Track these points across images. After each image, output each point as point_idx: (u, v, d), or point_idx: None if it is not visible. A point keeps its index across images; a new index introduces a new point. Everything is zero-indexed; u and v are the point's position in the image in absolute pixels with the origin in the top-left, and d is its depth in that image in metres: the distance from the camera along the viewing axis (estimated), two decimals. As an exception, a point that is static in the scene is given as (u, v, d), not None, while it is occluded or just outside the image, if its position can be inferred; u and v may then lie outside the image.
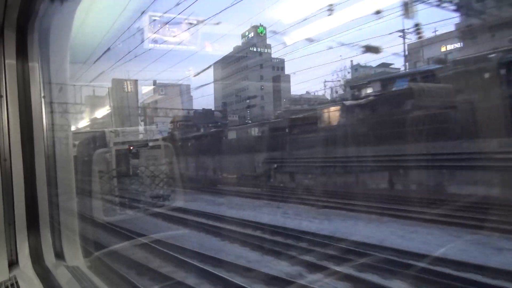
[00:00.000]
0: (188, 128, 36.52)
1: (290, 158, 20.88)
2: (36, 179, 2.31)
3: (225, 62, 56.29)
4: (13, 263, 2.19)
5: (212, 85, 58.37)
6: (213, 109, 44.66)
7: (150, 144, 16.72)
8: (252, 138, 27.30)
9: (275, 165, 22.04)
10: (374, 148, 15.28)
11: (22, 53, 2.27)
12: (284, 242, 8.43)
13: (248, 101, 51.74)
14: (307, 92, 48.76)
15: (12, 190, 2.18)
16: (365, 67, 44.52)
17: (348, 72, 44.35)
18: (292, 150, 21.13)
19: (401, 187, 14.45)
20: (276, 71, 57.78)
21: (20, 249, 2.22)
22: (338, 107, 21.15)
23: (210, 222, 11.02)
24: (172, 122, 37.26)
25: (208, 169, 27.70)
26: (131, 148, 16.19)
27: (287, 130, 23.00)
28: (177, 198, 15.56)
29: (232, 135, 30.20)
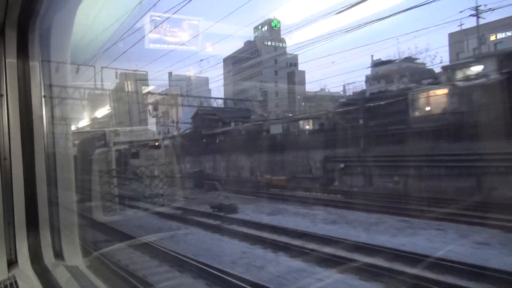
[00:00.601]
0: (213, 123, 33.49)
1: (365, 156, 16.71)
2: (36, 179, 2.30)
3: (237, 56, 54.68)
4: (12, 263, 2.19)
5: (231, 79, 56.66)
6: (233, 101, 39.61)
7: (166, 142, 15.54)
8: (305, 133, 23.13)
9: (342, 165, 18.01)
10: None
11: (23, 52, 2.27)
12: None
13: (261, 97, 50.15)
14: (322, 89, 45.67)
15: (11, 189, 2.18)
16: (387, 62, 43.47)
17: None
18: (368, 146, 17.00)
19: None
20: (289, 67, 55.97)
21: (19, 248, 2.22)
22: (443, 90, 16.31)
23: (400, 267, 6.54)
24: (193, 117, 34.35)
25: (244, 169, 24.34)
26: (158, 144, 14.83)
27: (361, 122, 18.35)
28: (244, 209, 13.13)
29: (276, 129, 25.58)
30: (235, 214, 12.22)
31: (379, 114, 17.89)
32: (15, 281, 1.99)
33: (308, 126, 24.40)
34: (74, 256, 2.49)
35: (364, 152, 16.98)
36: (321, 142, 19.67)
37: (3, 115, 2.19)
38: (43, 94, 2.39)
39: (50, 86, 2.65)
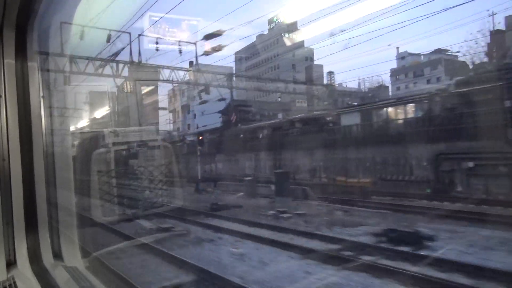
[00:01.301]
0: (250, 116, 30.79)
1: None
2: (35, 179, 2.30)
3: (253, 48, 53.11)
4: (11, 263, 2.19)
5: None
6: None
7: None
8: (396, 123, 18.59)
9: (471, 164, 13.84)
10: None
11: (21, 53, 2.27)
12: None
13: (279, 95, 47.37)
14: (340, 84, 43.75)
15: (10, 189, 2.17)
16: (414, 54, 42.89)
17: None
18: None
19: None
20: (306, 61, 53.90)
21: (18, 249, 2.22)
22: None
23: None
24: (225, 110, 30.76)
25: (302, 169, 20.34)
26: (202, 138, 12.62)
27: (508, 104, 13.51)
28: (432, 238, 7.71)
29: (350, 120, 20.63)
30: (436, 252, 7.04)
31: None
32: (14, 282, 1.99)
33: (401, 114, 19.00)
34: (73, 257, 2.49)
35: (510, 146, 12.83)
36: (426, 134, 15.54)
37: (2, 116, 2.19)
38: (41, 94, 2.38)
39: (49, 86, 2.64)
